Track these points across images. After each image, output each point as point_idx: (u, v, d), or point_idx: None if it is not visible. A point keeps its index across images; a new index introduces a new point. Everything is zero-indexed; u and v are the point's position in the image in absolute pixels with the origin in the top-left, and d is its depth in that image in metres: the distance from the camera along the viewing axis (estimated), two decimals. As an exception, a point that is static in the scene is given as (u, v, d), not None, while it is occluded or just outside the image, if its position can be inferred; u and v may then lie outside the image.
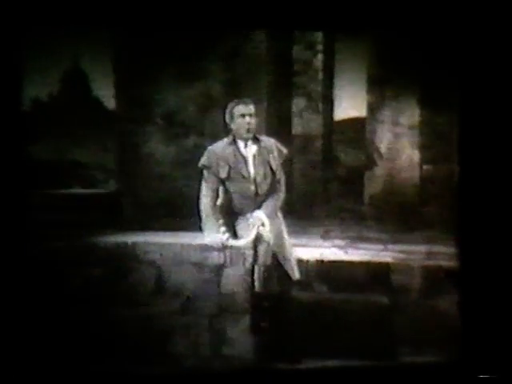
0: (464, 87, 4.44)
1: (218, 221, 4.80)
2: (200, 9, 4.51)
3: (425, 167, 9.15)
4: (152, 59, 6.98)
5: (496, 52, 4.35)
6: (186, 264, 4.81)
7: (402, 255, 5.89)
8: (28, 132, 4.79)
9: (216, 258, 4.77)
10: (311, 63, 10.69)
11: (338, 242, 6.71)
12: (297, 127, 10.28)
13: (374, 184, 9.43)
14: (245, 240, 4.70)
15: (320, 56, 10.72)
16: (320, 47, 10.71)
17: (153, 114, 7.16)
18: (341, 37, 10.69)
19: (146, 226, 6.24)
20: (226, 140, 4.81)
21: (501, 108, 4.37)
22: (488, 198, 4.41)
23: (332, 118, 11.47)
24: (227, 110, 4.80)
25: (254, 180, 4.78)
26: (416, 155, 9.17)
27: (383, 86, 9.29)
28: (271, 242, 4.69)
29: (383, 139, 9.37)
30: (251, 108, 4.74)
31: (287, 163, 5.07)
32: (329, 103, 11.14)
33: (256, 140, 4.80)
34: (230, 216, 4.84)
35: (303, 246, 6.14)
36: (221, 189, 4.83)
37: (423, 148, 9.12)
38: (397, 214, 8.68)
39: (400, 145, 9.28)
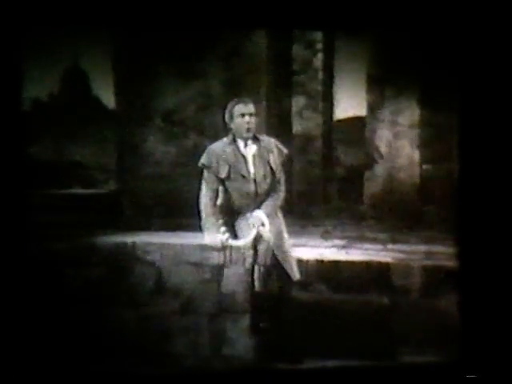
0: (464, 87, 4.44)
1: (217, 221, 4.80)
2: (200, 9, 4.51)
3: (424, 167, 9.16)
4: (152, 59, 6.97)
5: (496, 52, 4.35)
6: (185, 264, 4.80)
7: (401, 255, 5.89)
8: (28, 132, 4.79)
9: (216, 257, 4.76)
10: (311, 62, 10.70)
11: (337, 241, 6.71)
12: (297, 127, 10.29)
13: (373, 183, 9.44)
14: (245, 240, 4.70)
15: (320, 55, 10.73)
16: (320, 46, 10.71)
17: (152, 113, 7.15)
18: (341, 36, 10.70)
19: (146, 225, 6.23)
20: (225, 139, 4.81)
21: (501, 108, 4.37)
22: (488, 198, 4.41)
23: (332, 117, 11.48)
24: (227, 110, 4.79)
25: (254, 180, 4.78)
26: (416, 155, 9.18)
27: (383, 85, 9.31)
28: (271, 241, 4.69)
29: (383, 139, 9.39)
30: (251, 107, 4.74)
31: (287, 163, 5.07)
32: (329, 103, 11.15)
33: (256, 139, 4.79)
34: (230, 216, 4.84)
35: (303, 245, 6.14)
36: (221, 188, 4.82)
37: (423, 147, 9.14)
38: (396, 213, 8.69)
39: (400, 144, 9.29)
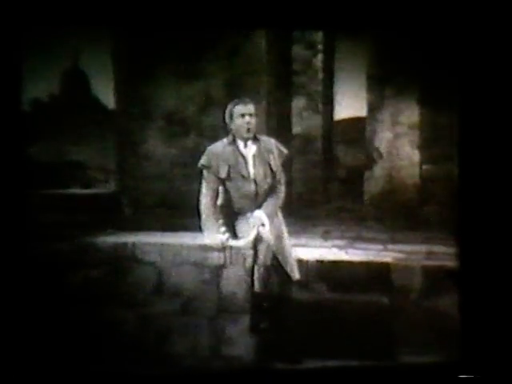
0: (464, 87, 4.44)
1: (217, 221, 4.80)
2: (200, 8, 4.51)
3: (424, 167, 9.16)
4: (152, 59, 6.98)
5: (496, 52, 4.35)
6: (185, 264, 4.80)
7: (401, 255, 5.89)
8: (28, 132, 4.79)
9: (216, 258, 4.76)
10: (311, 63, 10.71)
11: (337, 242, 6.71)
12: (297, 127, 10.29)
13: (373, 184, 9.44)
14: (245, 240, 4.70)
15: (320, 56, 10.74)
16: (320, 47, 10.72)
17: (152, 113, 7.16)
18: (341, 37, 10.70)
19: (146, 226, 6.23)
20: (225, 140, 4.81)
21: (501, 108, 4.37)
22: (488, 198, 4.40)
23: (332, 117, 11.49)
24: (227, 110, 4.79)
25: (254, 180, 4.78)
26: (416, 155, 9.18)
27: (383, 85, 9.30)
28: (271, 242, 4.69)
29: (383, 139, 9.38)
30: (251, 108, 4.74)
31: (287, 163, 5.07)
32: (329, 103, 11.16)
33: (256, 140, 4.79)
34: (230, 216, 4.84)
35: (303, 246, 6.13)
36: (221, 189, 4.82)
37: (423, 148, 9.14)
38: (397, 213, 8.68)
39: (400, 144, 9.29)
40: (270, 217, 4.74)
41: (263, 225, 4.68)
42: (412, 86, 9.04)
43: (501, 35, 4.33)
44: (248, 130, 4.73)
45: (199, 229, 4.82)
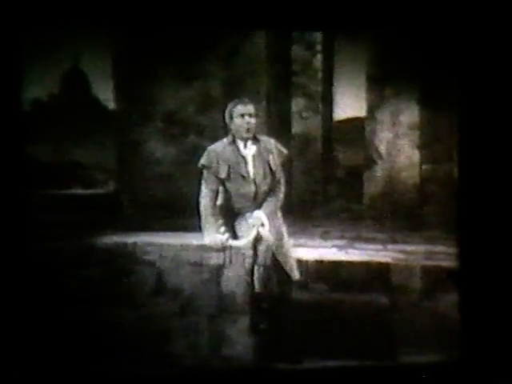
0: (464, 87, 4.44)
1: (217, 221, 4.80)
2: (200, 9, 4.51)
3: (424, 167, 9.14)
4: (152, 59, 6.97)
5: (496, 52, 4.35)
6: (185, 264, 4.81)
7: (401, 255, 5.89)
8: (28, 132, 4.79)
9: (216, 258, 4.76)
10: (311, 63, 10.70)
11: (337, 242, 6.71)
12: (296, 127, 10.29)
13: (373, 184, 9.42)
14: (244, 240, 4.70)
15: (319, 56, 10.73)
16: (319, 47, 10.71)
17: (152, 113, 7.15)
18: (340, 37, 10.70)
19: (146, 226, 6.23)
20: (225, 140, 4.81)
21: (501, 108, 4.37)
22: (488, 198, 4.41)
23: (331, 117, 11.48)
24: (227, 110, 4.79)
25: (254, 180, 4.78)
26: (416, 155, 9.16)
27: (383, 85, 9.29)
28: (271, 242, 4.69)
29: (383, 139, 9.37)
30: (251, 108, 4.74)
31: (287, 163, 5.07)
32: (328, 103, 11.15)
33: (256, 140, 4.79)
34: (230, 216, 4.84)
35: (303, 246, 6.14)
36: (220, 189, 4.83)
37: (423, 148, 9.12)
38: (396, 214, 8.68)
39: (400, 145, 9.27)
40: (270, 217, 4.74)
41: (263, 225, 4.68)
42: (412, 86, 9.02)
43: (501, 35, 4.34)
44: (248, 130, 4.73)
45: (199, 229, 4.82)
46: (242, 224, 4.79)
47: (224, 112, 4.81)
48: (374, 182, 9.37)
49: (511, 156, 4.38)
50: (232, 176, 4.77)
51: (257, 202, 4.78)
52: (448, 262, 5.21)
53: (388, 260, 5.63)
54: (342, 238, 7.04)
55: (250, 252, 4.70)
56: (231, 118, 4.76)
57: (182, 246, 4.87)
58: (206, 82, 7.01)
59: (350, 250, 6.15)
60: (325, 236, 7.20)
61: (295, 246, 5.14)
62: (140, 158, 7.16)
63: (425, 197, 8.96)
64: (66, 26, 4.49)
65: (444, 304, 5.18)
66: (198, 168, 4.82)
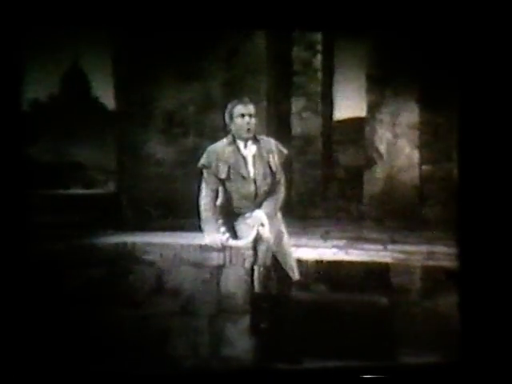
0: (464, 87, 4.44)
1: (217, 221, 4.80)
2: (200, 9, 4.51)
3: (424, 167, 9.16)
4: (152, 59, 6.98)
5: (496, 52, 4.35)
6: (185, 264, 4.80)
7: (401, 255, 5.89)
8: (28, 132, 4.79)
9: (216, 258, 4.76)
10: (311, 63, 10.70)
11: (337, 242, 6.72)
12: (296, 127, 10.30)
13: (373, 184, 9.43)
14: (244, 240, 4.70)
15: (319, 56, 10.74)
16: (319, 47, 10.72)
17: (152, 114, 7.16)
18: (340, 37, 10.70)
19: (146, 226, 6.24)
20: (225, 140, 4.81)
21: (501, 108, 4.37)
22: (488, 198, 4.40)
23: (331, 118, 11.49)
24: (227, 110, 4.79)
25: (254, 180, 4.78)
26: (415, 155, 9.18)
27: (383, 85, 9.30)
28: (271, 242, 4.69)
29: (383, 139, 9.38)
30: (251, 108, 4.74)
31: (287, 163, 5.07)
32: (328, 103, 11.16)
33: (256, 140, 4.79)
34: (230, 216, 4.84)
35: (303, 246, 6.15)
36: (220, 189, 4.83)
37: (423, 148, 9.13)
38: (396, 214, 8.69)
39: (399, 145, 9.28)
40: (270, 217, 4.74)
41: (263, 225, 4.68)
42: (412, 86, 9.03)
43: (501, 35, 4.33)
44: (248, 131, 4.73)
45: (199, 229, 4.82)
46: (242, 224, 4.79)
47: (224, 112, 4.81)
48: (374, 182, 9.39)
49: (511, 156, 4.38)
50: (232, 176, 4.76)
51: (257, 202, 4.78)
52: (448, 263, 5.22)
53: (388, 260, 5.63)
54: (341, 238, 7.04)
55: (250, 252, 4.70)
56: (231, 118, 4.76)
57: (182, 245, 4.86)
58: (206, 83, 7.02)
59: (350, 250, 6.16)
60: (325, 236, 7.20)
61: (295, 246, 5.15)
62: (140, 159, 7.16)
63: (425, 197, 8.97)
64: (66, 26, 4.49)
65: (444, 304, 5.18)
66: (198, 168, 4.82)
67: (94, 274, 4.86)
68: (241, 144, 4.77)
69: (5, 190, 4.30)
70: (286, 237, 4.85)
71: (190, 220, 5.03)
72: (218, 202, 4.83)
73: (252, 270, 4.70)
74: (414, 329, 5.18)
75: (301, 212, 8.92)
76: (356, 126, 11.65)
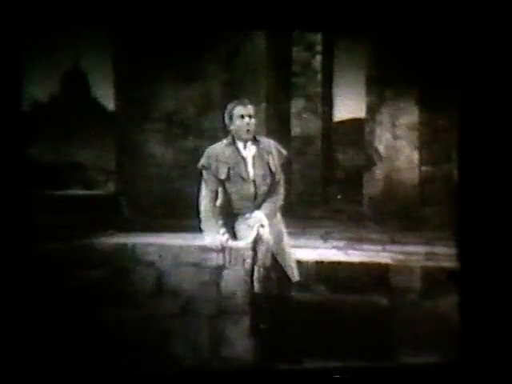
0: (464, 87, 4.44)
1: (217, 222, 4.80)
2: (200, 9, 4.51)
3: (424, 168, 9.15)
4: (151, 60, 6.98)
5: (496, 52, 4.35)
6: (185, 265, 4.80)
7: (401, 256, 5.89)
8: (28, 133, 4.79)
9: (215, 259, 4.76)
10: (310, 64, 10.71)
11: (337, 243, 6.72)
12: (296, 128, 10.30)
13: (373, 185, 9.43)
14: (244, 241, 4.70)
15: (319, 57, 10.75)
16: (319, 48, 10.73)
17: (152, 115, 7.17)
18: (340, 38, 10.71)
19: (146, 227, 6.24)
20: (225, 141, 4.81)
21: (501, 108, 4.37)
22: (488, 199, 4.40)
23: (331, 118, 11.50)
24: (226, 111, 4.79)
25: (254, 181, 4.78)
26: (415, 156, 9.17)
27: (382, 86, 9.29)
28: (271, 242, 4.69)
29: (382, 140, 9.37)
30: (250, 109, 4.74)
31: (286, 164, 5.07)
32: (328, 104, 11.17)
33: (255, 141, 4.79)
34: (230, 217, 4.84)
35: (302, 246, 6.14)
36: (220, 190, 4.82)
37: (422, 149, 9.12)
38: (396, 214, 8.68)
39: (399, 146, 9.27)
40: (270, 218, 4.74)
41: (263, 226, 4.68)
42: (411, 87, 9.03)
43: (501, 35, 4.33)
44: (247, 131, 4.73)
45: (199, 230, 4.82)
46: (242, 225, 4.78)
47: (223, 113, 4.81)
48: (374, 182, 9.38)
49: (511, 156, 4.38)
50: (232, 177, 4.76)
51: (256, 203, 4.78)
52: (448, 263, 5.21)
53: (388, 261, 5.63)
54: (341, 238, 7.04)
55: (250, 253, 4.70)
56: (231, 118, 4.76)
57: (181, 246, 4.86)
58: (205, 83, 7.03)
59: (350, 251, 6.16)
60: (324, 237, 7.20)
61: (295, 246, 5.14)
62: (140, 159, 7.18)
63: (425, 197, 8.97)
64: (66, 26, 4.49)
65: (444, 305, 5.18)
66: (197, 169, 4.82)
67: (94, 274, 4.86)
68: (240, 145, 4.77)
69: (5, 190, 4.30)
70: (285, 237, 4.85)
71: (190, 221, 5.03)
72: (218, 202, 4.83)
73: (252, 270, 4.70)
74: (414, 329, 5.18)
75: (301, 212, 8.91)
76: (356, 126, 11.66)
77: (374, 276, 5.44)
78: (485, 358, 4.38)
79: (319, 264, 5.53)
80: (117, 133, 7.56)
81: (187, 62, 6.96)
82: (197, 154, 4.93)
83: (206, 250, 4.76)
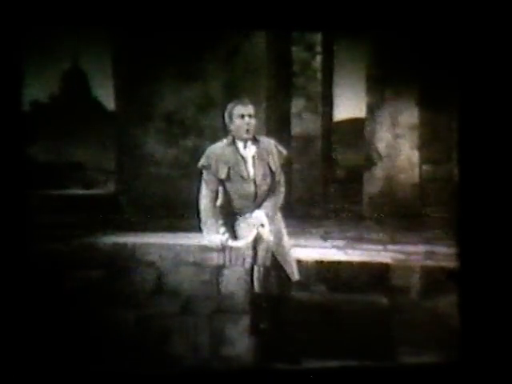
0: (464, 87, 4.44)
1: (217, 221, 4.79)
2: (200, 9, 4.51)
3: (424, 167, 9.17)
4: (151, 60, 6.98)
5: (496, 52, 4.35)
6: (185, 265, 4.80)
7: (401, 256, 5.89)
8: (27, 133, 4.79)
9: (215, 258, 4.76)
10: (310, 64, 10.70)
11: (337, 242, 6.72)
12: (296, 128, 10.29)
13: (373, 184, 9.44)
14: (244, 240, 4.70)
15: (319, 57, 10.73)
16: (319, 48, 10.71)
17: (152, 114, 7.17)
18: (340, 38, 10.70)
19: (146, 226, 6.24)
20: (225, 141, 4.81)
21: (501, 108, 4.37)
22: (488, 199, 4.40)
23: (331, 118, 11.48)
24: (226, 111, 4.79)
25: (254, 181, 4.77)
26: (415, 155, 9.18)
27: (382, 86, 9.30)
28: (271, 242, 4.69)
29: (382, 140, 9.38)
30: (250, 109, 4.74)
31: (286, 164, 5.07)
32: (328, 104, 11.15)
33: (255, 141, 4.79)
34: (230, 216, 4.84)
35: (303, 246, 6.14)
36: (220, 189, 4.82)
37: (422, 148, 9.14)
38: (396, 214, 8.69)
39: (399, 145, 9.29)
40: (270, 217, 4.74)
41: (263, 225, 4.68)
42: (411, 86, 9.04)
43: (501, 35, 4.33)
44: (247, 131, 4.73)
45: (199, 229, 4.82)
46: (242, 224, 4.78)
47: (223, 113, 4.81)
48: (374, 182, 9.39)
49: (511, 156, 4.38)
50: (232, 176, 4.76)
51: (257, 203, 4.78)
52: (448, 263, 5.21)
53: (388, 260, 5.63)
54: (341, 238, 7.04)
55: (250, 252, 4.70)
56: (231, 118, 4.76)
57: (181, 246, 4.86)
58: (205, 83, 7.03)
59: (350, 251, 6.16)
60: (325, 236, 7.20)
61: (295, 246, 5.14)
62: (140, 159, 7.17)
63: (425, 197, 8.98)
64: (66, 26, 4.49)
65: (444, 304, 5.18)
66: (197, 169, 4.82)
67: (94, 274, 4.86)
68: (240, 144, 4.77)
69: (5, 190, 4.30)
70: (285, 237, 4.85)
71: (190, 220, 5.03)
72: (218, 202, 4.83)
73: (252, 270, 4.70)
74: (414, 329, 5.18)
75: (301, 212, 8.92)
76: (356, 126, 11.67)
77: (374, 276, 5.44)
78: (485, 358, 4.38)
79: (319, 263, 5.53)
80: (117, 132, 7.56)
81: (187, 61, 6.96)
82: (197, 153, 4.93)
83: (205, 249, 4.76)
